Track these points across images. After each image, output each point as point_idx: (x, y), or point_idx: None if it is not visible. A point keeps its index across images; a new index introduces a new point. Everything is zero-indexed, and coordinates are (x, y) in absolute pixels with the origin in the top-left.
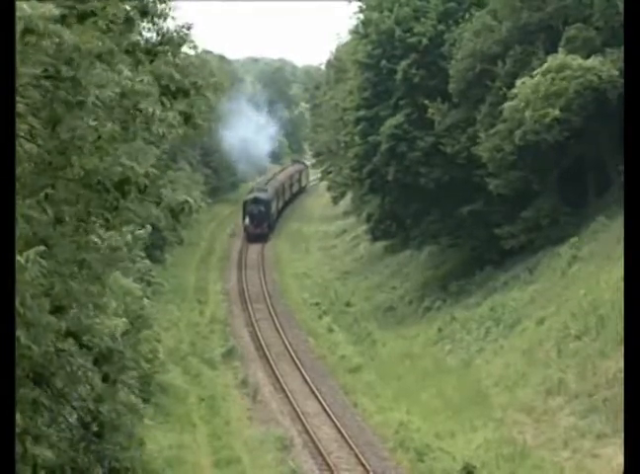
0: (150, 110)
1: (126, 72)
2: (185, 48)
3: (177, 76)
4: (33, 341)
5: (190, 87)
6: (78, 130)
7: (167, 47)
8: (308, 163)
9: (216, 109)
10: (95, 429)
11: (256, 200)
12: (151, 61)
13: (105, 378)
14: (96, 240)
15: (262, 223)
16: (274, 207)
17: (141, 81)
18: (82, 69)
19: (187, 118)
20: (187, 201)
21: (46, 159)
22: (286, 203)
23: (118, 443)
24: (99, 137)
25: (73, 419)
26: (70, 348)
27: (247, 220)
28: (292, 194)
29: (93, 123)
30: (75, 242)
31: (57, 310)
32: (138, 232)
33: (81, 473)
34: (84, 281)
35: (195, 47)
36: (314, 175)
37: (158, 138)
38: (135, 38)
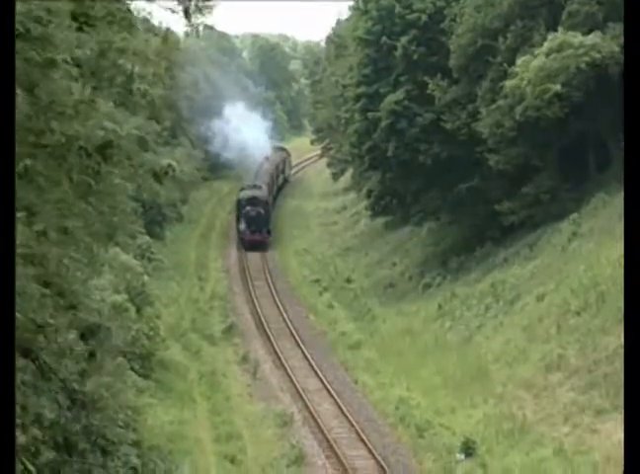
0: (129, 66)
1: (105, 32)
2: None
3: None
4: (19, 310)
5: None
6: (57, 94)
7: None
8: (288, 148)
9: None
10: (80, 404)
11: (253, 201)
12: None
13: (91, 354)
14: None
15: (261, 228)
16: (270, 207)
17: (121, 38)
18: (52, 27)
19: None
20: (170, 165)
21: (26, 125)
22: (274, 199)
23: (105, 419)
24: (80, 101)
25: (61, 393)
26: (58, 321)
27: (243, 224)
28: (278, 187)
29: (72, 85)
30: (59, 209)
31: (47, 285)
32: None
33: (69, 447)
34: (75, 251)
35: None
36: (297, 159)
37: (140, 96)
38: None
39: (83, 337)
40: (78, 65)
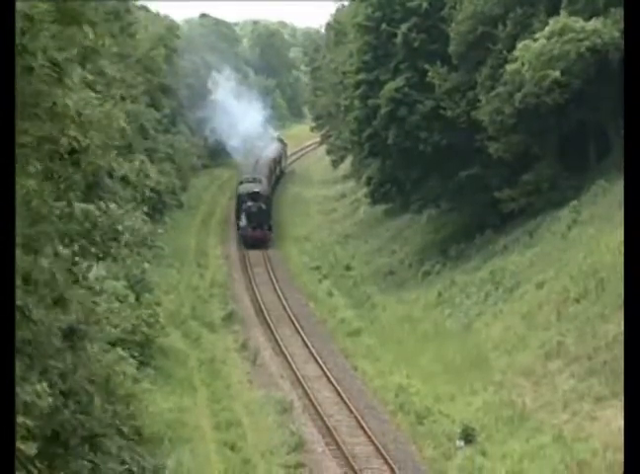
0: (111, 73)
1: (91, 35)
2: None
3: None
4: None
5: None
6: (31, 97)
7: None
8: (281, 137)
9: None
10: (70, 398)
11: (254, 196)
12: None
13: (72, 348)
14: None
15: (262, 224)
16: (271, 202)
17: (103, 42)
18: (30, 35)
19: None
20: (125, 176)
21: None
22: (272, 192)
23: (92, 413)
24: (54, 103)
25: (53, 387)
26: (48, 314)
27: (243, 220)
28: (277, 178)
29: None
30: (31, 215)
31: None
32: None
33: (62, 440)
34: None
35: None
36: (296, 147)
37: (118, 100)
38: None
39: (76, 330)
40: (60, 70)
